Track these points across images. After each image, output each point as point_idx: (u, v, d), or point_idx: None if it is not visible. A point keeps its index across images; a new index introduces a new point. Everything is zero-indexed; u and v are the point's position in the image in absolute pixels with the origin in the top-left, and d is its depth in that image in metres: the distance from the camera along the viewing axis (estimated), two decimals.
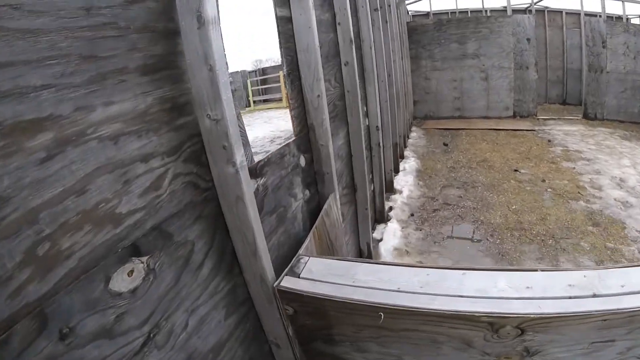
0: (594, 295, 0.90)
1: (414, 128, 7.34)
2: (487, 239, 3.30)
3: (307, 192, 1.74)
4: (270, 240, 1.34)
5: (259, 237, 1.02)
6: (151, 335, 0.78)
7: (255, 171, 1.24)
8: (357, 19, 2.98)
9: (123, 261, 0.72)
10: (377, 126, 3.14)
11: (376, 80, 3.18)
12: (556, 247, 3.14)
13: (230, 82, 0.92)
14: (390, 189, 4.20)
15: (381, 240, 3.19)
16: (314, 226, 1.49)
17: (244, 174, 0.94)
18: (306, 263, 1.17)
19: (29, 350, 0.55)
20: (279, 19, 1.53)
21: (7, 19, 0.53)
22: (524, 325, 0.89)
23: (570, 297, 0.91)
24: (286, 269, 1.18)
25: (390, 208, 3.84)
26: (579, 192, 3.93)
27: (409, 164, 5.12)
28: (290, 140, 1.59)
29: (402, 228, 3.45)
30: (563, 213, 3.59)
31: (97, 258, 0.67)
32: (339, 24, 2.29)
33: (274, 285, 1.10)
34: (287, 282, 1.10)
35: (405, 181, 4.48)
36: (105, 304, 0.68)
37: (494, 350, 0.97)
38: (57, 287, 0.60)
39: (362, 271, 1.09)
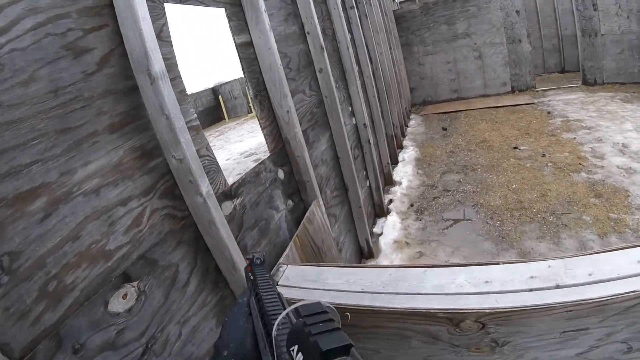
0: (557, 287, 0.89)
1: (412, 115, 7.39)
2: (487, 222, 3.38)
3: (289, 202, 1.91)
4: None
5: (235, 254, 1.20)
6: (149, 345, 0.97)
7: (230, 193, 1.42)
8: (331, 22, 3.12)
9: (117, 287, 0.92)
10: (364, 124, 3.28)
11: (357, 79, 3.30)
12: (557, 223, 3.19)
13: (192, 114, 1.10)
14: (390, 182, 4.32)
15: (381, 234, 3.31)
16: (295, 234, 1.66)
17: (212, 202, 1.13)
18: (284, 271, 1.34)
19: None
20: (239, 46, 1.71)
21: None
22: (483, 319, 0.91)
23: (530, 290, 0.91)
24: None
25: (390, 201, 3.95)
26: (580, 164, 3.95)
27: (408, 154, 5.23)
28: (265, 157, 1.76)
29: (402, 220, 3.57)
30: (564, 187, 3.62)
31: (95, 287, 0.86)
32: (308, 33, 2.44)
33: None
34: None
35: (404, 172, 4.60)
36: (107, 322, 0.88)
37: (461, 342, 0.99)
38: (66, 313, 0.79)
39: (332, 275, 1.24)
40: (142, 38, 0.98)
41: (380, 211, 3.65)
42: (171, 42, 1.24)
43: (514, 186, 3.85)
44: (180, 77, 1.27)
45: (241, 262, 1.23)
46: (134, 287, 0.96)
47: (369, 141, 3.39)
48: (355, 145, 3.26)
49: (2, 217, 0.72)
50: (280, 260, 1.46)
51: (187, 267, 1.15)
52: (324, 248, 1.93)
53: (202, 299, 1.19)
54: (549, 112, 5.39)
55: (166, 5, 1.25)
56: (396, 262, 2.89)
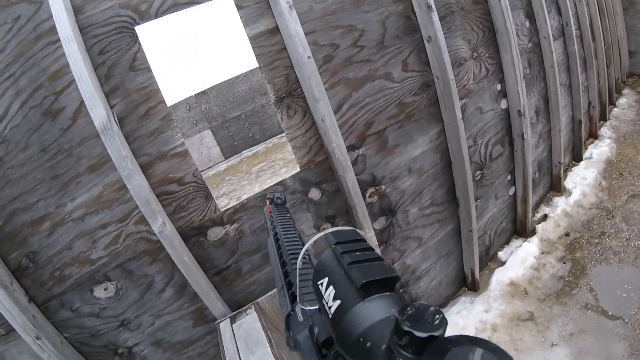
0: None
1: (625, 91, 4.66)
2: None
3: (326, 225, 1.66)
4: (253, 277, 1.57)
5: (203, 283, 1.40)
6: (124, 322, 1.47)
7: (222, 219, 1.46)
8: None
9: (100, 282, 1.41)
10: (519, 110, 2.13)
11: (514, 42, 2.01)
12: None
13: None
14: (557, 188, 3.06)
15: (503, 264, 2.46)
16: None
17: (164, 238, 1.29)
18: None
19: (57, 314, 1.40)
20: (255, 38, 1.44)
21: (8, 174, 1.24)
22: None
23: None
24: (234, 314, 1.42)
25: (544, 217, 2.76)
26: None
27: (599, 150, 3.42)
28: (288, 175, 1.53)
29: (541, 254, 2.47)
30: None
31: (84, 279, 1.40)
32: None
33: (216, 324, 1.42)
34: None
35: (582, 178, 3.09)
36: (92, 302, 1.42)
37: None
38: (66, 290, 1.39)
39: None
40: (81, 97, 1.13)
41: (522, 229, 2.67)
42: (148, 67, 1.27)
43: None
44: (163, 103, 1.32)
45: (207, 286, 1.39)
46: (112, 284, 1.42)
47: (521, 136, 2.26)
48: (497, 140, 2.23)
49: (26, 233, 1.31)
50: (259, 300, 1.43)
51: (164, 279, 1.47)
52: None
53: (179, 304, 1.51)
54: None
55: (138, 28, 1.23)
56: (490, 314, 2.12)
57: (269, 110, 8.29)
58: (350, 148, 1.66)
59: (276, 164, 6.26)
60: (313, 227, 1.65)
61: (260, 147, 8.21)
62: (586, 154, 3.44)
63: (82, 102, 1.21)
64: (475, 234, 2.16)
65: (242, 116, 8.23)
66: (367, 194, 1.77)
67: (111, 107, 1.26)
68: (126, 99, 1.29)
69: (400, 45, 1.72)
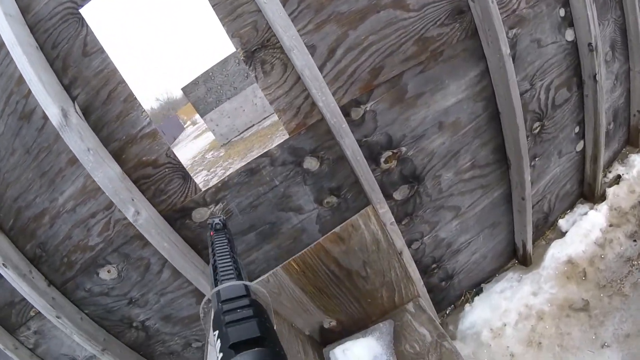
0: None
1: None
2: None
3: (330, 199, 1.54)
4: (251, 256, 1.58)
5: (189, 266, 1.45)
6: (132, 300, 1.62)
7: (204, 200, 1.47)
8: None
9: (102, 266, 1.55)
10: (589, 44, 1.63)
11: None
12: None
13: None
14: (635, 142, 2.50)
15: (564, 235, 2.09)
16: (294, 256, 1.43)
17: (140, 227, 1.35)
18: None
19: (75, 294, 1.58)
20: None
21: (7, 177, 1.37)
22: None
23: None
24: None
25: (618, 179, 2.27)
26: None
27: None
28: (272, 146, 1.44)
29: (609, 227, 2.05)
30: None
31: (89, 264, 1.54)
32: None
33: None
34: None
35: None
36: (100, 283, 1.57)
37: None
38: (76, 274, 1.55)
39: None
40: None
41: (590, 193, 2.26)
42: (102, 49, 1.26)
43: None
44: (123, 82, 1.31)
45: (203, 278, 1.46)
46: (114, 267, 1.55)
47: (594, 76, 1.75)
48: (562, 82, 1.76)
49: (33, 227, 1.47)
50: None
51: (159, 261, 1.55)
52: (365, 273, 1.48)
53: (178, 284, 1.60)
54: None
55: (82, 10, 1.21)
56: (539, 298, 1.88)
57: None
58: (354, 104, 1.43)
59: None
60: (314, 201, 1.55)
61: None
62: None
63: None
64: (530, 202, 1.84)
65: None
66: (383, 159, 1.56)
67: (74, 99, 1.30)
68: (86, 87, 1.30)
69: None
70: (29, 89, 1.25)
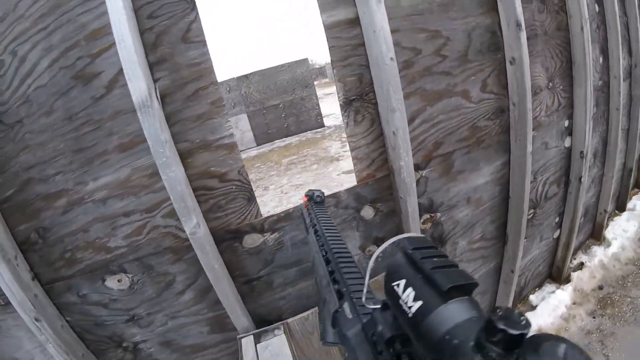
0: None
1: None
2: None
3: (372, 247, 1.51)
4: (285, 291, 1.41)
5: (231, 293, 1.25)
6: (135, 318, 1.34)
7: (262, 226, 1.28)
8: None
9: (114, 272, 1.26)
10: (582, 151, 2.02)
11: (589, 79, 1.82)
12: None
13: None
14: (597, 237, 2.92)
15: (534, 309, 2.30)
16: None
17: (195, 241, 1.12)
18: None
19: (62, 297, 1.26)
20: (330, 27, 1.21)
21: (27, 138, 1.05)
22: None
23: None
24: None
25: (581, 265, 2.60)
26: None
27: None
28: (343, 189, 1.33)
29: (573, 304, 2.34)
30: None
31: (97, 267, 1.24)
32: None
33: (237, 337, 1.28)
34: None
35: (623, 230, 2.91)
36: (103, 291, 1.28)
37: None
38: (75, 274, 1.24)
39: None
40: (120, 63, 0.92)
41: (557, 275, 2.51)
42: (204, 42, 1.04)
43: None
44: (216, 84, 1.10)
45: (237, 302, 1.24)
46: (128, 277, 1.27)
47: (579, 178, 2.08)
48: (555, 180, 2.09)
49: (38, 206, 1.14)
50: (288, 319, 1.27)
51: (185, 280, 1.31)
52: None
53: (197, 309, 1.37)
54: None
55: None
56: None
57: (307, 104, 8.35)
58: (415, 168, 1.45)
59: (307, 159, 6.06)
60: (359, 247, 1.47)
61: (293, 139, 8.14)
62: (630, 205, 3.19)
63: (121, 69, 0.99)
64: (517, 275, 1.97)
65: (281, 105, 8.25)
66: (422, 220, 1.57)
67: (155, 81, 1.05)
68: (173, 74, 1.07)
69: (482, 62, 1.47)
70: (101, 50, 0.99)
